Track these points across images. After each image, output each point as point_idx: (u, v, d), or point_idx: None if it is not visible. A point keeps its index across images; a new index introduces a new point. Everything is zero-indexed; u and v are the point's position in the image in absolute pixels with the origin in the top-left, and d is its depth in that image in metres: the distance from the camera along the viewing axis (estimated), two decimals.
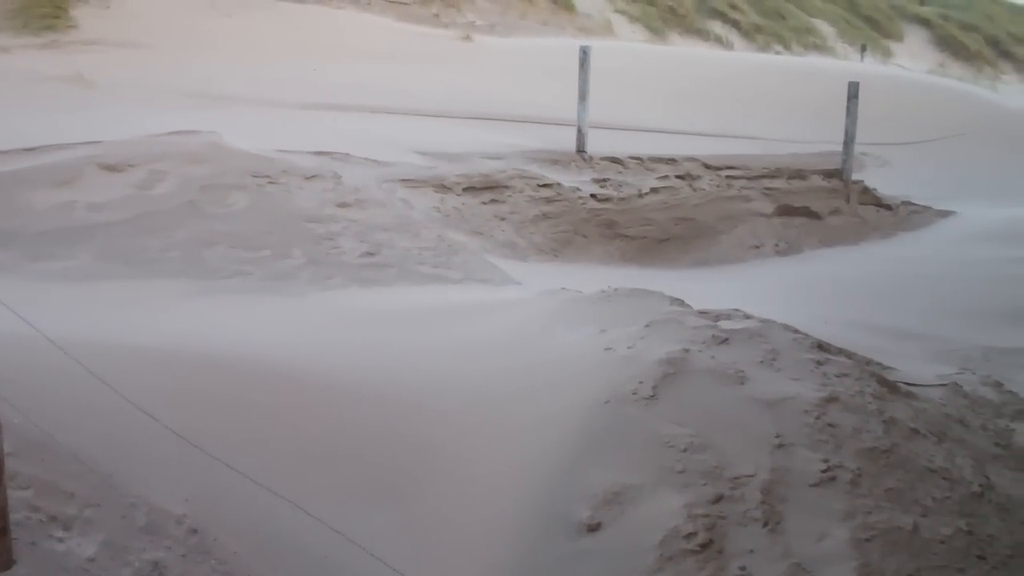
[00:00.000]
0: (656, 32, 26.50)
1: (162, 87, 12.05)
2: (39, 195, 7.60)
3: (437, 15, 20.37)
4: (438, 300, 6.93)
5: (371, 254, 7.81)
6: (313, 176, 8.81)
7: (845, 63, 27.21)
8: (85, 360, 3.94)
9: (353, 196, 8.74)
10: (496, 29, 21.16)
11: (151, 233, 7.38)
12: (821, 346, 5.40)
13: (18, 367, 3.89)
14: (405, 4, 20.24)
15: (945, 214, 13.66)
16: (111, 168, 8.05)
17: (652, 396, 4.61)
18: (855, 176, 13.82)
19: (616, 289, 6.35)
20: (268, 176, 8.52)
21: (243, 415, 4.36)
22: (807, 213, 12.46)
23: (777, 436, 4.42)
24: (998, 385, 6.57)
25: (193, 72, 12.91)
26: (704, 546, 3.89)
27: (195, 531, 3.55)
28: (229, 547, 3.60)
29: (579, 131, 12.28)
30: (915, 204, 13.84)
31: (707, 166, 12.74)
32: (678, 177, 12.18)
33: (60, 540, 3.18)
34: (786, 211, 12.36)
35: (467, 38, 18.98)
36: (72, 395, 3.92)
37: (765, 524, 4.01)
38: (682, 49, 25.53)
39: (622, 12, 26.57)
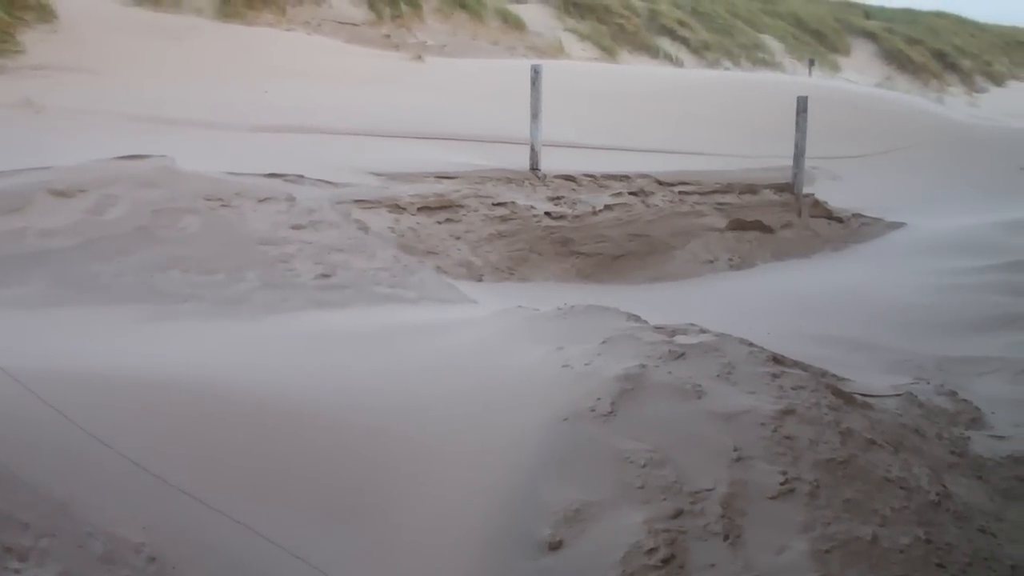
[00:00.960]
0: (606, 50, 26.69)
1: (112, 111, 11.94)
2: None
3: (388, 36, 20.38)
4: (394, 320, 6.91)
5: (326, 276, 7.77)
6: (266, 198, 8.76)
7: (794, 78, 27.51)
8: (37, 388, 3.89)
9: (307, 218, 8.71)
10: (447, 49, 21.20)
11: (103, 258, 7.29)
12: (776, 359, 5.43)
13: None
14: (355, 25, 20.24)
15: (896, 226, 13.84)
16: (62, 194, 7.95)
17: (610, 412, 4.62)
18: (806, 190, 13.98)
19: (572, 306, 6.36)
20: (221, 199, 8.46)
21: (200, 441, 4.31)
22: (759, 227, 12.58)
23: (735, 450, 4.43)
24: (952, 394, 6.66)
25: (143, 96, 12.81)
26: (665, 561, 3.89)
27: (153, 559, 3.50)
28: (188, 575, 3.56)
29: (532, 149, 12.33)
30: (866, 216, 14.01)
31: (660, 182, 12.83)
32: (631, 194, 12.26)
33: (16, 572, 3.12)
34: (739, 225, 12.46)
35: (418, 58, 19.01)
36: (25, 423, 3.86)
37: (726, 538, 4.02)
38: (632, 66, 25.71)
39: (572, 31, 26.74)
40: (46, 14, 14.31)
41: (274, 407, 4.72)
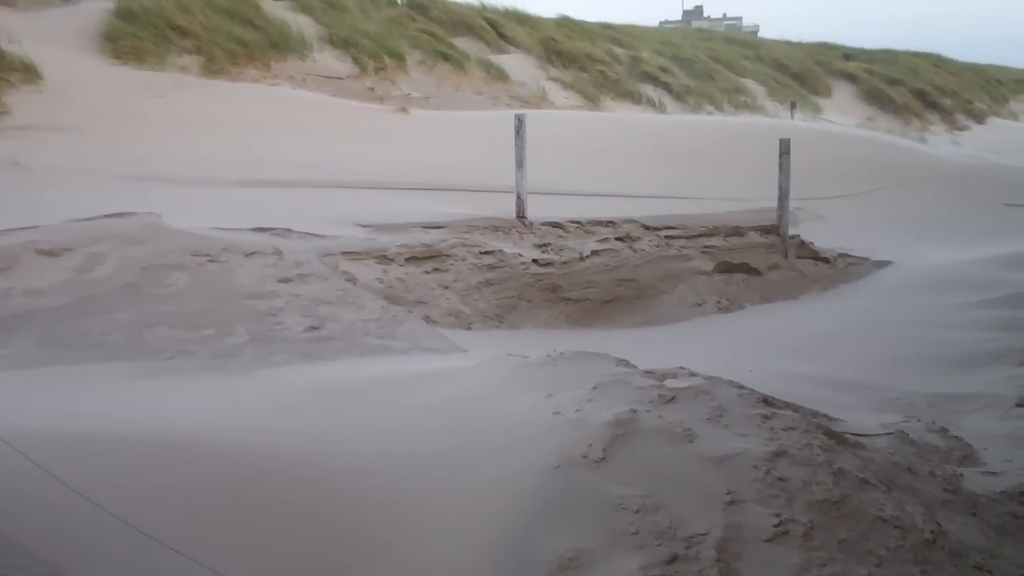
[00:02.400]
0: (589, 97, 26.87)
1: (98, 169, 11.96)
2: None
3: (372, 88, 20.51)
4: (384, 372, 6.89)
5: (315, 328, 7.77)
6: (253, 252, 8.77)
7: (776, 120, 27.71)
8: (27, 449, 3.87)
9: (295, 271, 8.72)
10: (431, 101, 21.34)
11: (92, 316, 7.29)
12: (767, 401, 5.44)
13: None
14: (340, 79, 20.37)
15: (882, 264, 13.91)
16: (49, 253, 7.95)
17: (602, 458, 4.60)
18: (792, 231, 14.04)
19: (562, 353, 6.36)
20: (208, 254, 8.47)
21: (189, 498, 4.28)
22: (746, 269, 12.62)
23: (728, 493, 4.43)
24: (943, 431, 6.66)
25: (129, 153, 12.85)
26: None
27: None
28: None
29: (518, 197, 12.38)
30: (852, 256, 14.08)
31: (646, 227, 12.88)
32: (618, 239, 12.30)
33: None
34: (726, 268, 12.51)
35: (403, 110, 19.12)
36: (14, 485, 3.84)
37: None
38: (615, 113, 25.88)
39: (555, 79, 26.94)
40: (31, 74, 14.38)
41: (264, 464, 4.70)
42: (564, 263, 11.37)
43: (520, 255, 11.14)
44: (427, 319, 9.29)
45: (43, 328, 7.07)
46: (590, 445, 4.69)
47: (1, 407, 4.74)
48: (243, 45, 19.16)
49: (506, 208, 12.40)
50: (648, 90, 29.61)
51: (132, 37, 17.35)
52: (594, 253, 11.77)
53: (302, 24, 21.76)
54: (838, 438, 5.32)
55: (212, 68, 18.02)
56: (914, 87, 38.65)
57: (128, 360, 6.76)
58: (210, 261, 8.41)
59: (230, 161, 13.43)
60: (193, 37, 18.41)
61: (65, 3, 18.54)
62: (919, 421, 6.82)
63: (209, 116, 15.47)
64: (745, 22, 75.21)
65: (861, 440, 5.62)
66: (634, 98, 28.64)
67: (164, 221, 8.86)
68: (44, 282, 7.65)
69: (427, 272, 10.28)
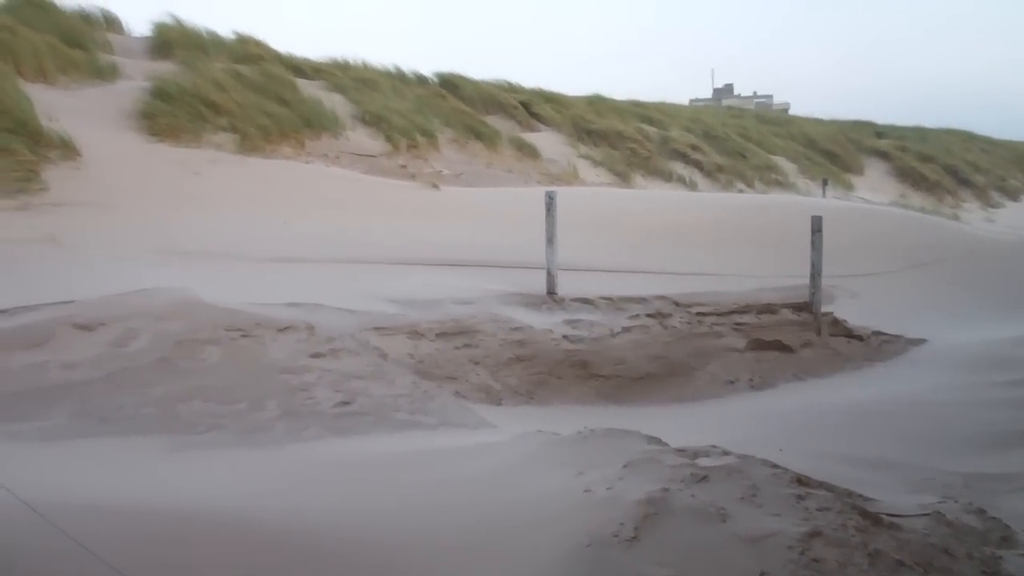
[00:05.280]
0: (620, 175, 27.02)
1: (133, 245, 12.11)
2: (12, 356, 7.58)
3: (404, 166, 20.71)
4: (414, 447, 6.88)
5: (346, 403, 7.78)
6: (286, 327, 8.83)
7: (808, 198, 27.72)
8: (60, 521, 3.88)
9: (327, 346, 8.76)
10: (462, 178, 21.50)
11: (126, 390, 7.35)
12: (801, 480, 5.38)
13: None
14: (373, 156, 20.58)
15: (916, 342, 13.78)
16: (84, 327, 8.05)
17: (634, 538, 4.56)
18: (825, 308, 13.97)
19: (592, 430, 6.33)
20: (241, 329, 8.54)
21: (219, 574, 4.27)
22: (779, 347, 12.54)
23: (762, 574, 4.37)
24: (981, 512, 6.54)
25: (164, 229, 13.01)
26: None
27: None
28: None
29: (549, 273, 12.43)
30: (886, 334, 13.97)
31: (677, 304, 12.87)
32: (649, 316, 12.28)
33: None
34: (758, 345, 12.43)
35: (434, 187, 19.27)
36: (47, 558, 3.85)
37: None
38: (646, 190, 25.99)
39: (586, 157, 27.13)
40: (70, 151, 14.60)
41: (293, 541, 4.69)
42: (595, 339, 11.35)
43: (550, 331, 11.14)
44: (457, 394, 9.29)
45: (78, 401, 7.13)
46: (621, 524, 4.66)
47: (36, 479, 4.76)
48: (277, 123, 19.42)
49: (537, 284, 12.43)
50: (679, 168, 29.77)
51: (168, 115, 17.60)
52: (625, 330, 11.74)
53: (335, 102, 22.06)
54: (874, 519, 5.25)
55: (247, 145, 18.25)
56: (947, 164, 38.70)
57: (161, 433, 6.79)
58: (243, 336, 8.48)
59: (264, 237, 13.57)
60: (228, 115, 18.67)
61: (103, 82, 18.89)
62: (956, 502, 6.70)
63: (243, 192, 15.64)
64: (775, 99, 75.60)
65: (897, 521, 5.54)
66: (665, 176, 28.79)
67: (198, 296, 8.95)
68: (79, 356, 7.73)
69: (457, 347, 10.29)
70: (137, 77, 19.48)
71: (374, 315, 10.23)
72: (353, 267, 12.80)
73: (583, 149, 27.72)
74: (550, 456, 5.97)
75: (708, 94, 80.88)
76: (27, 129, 14.38)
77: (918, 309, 16.20)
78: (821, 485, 5.52)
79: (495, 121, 26.57)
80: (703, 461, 5.48)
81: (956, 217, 30.46)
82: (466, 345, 10.39)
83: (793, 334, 12.97)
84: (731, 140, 33.76)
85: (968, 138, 43.92)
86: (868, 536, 4.83)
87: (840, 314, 14.22)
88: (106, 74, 19.28)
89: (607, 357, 11.18)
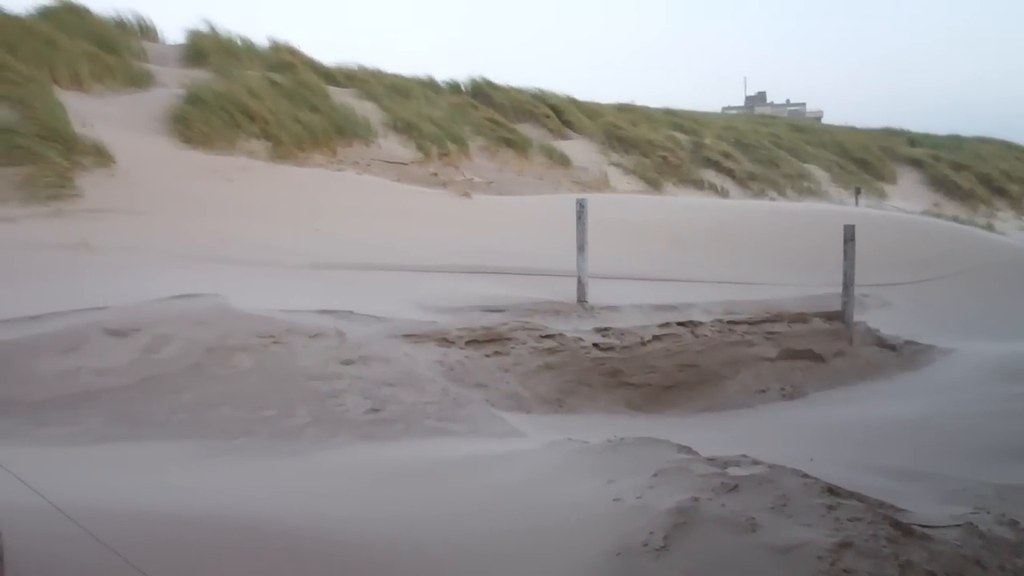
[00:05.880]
0: (651, 182, 26.97)
1: (166, 251, 12.20)
2: (45, 362, 7.64)
3: (435, 174, 20.75)
4: (443, 455, 6.89)
5: (376, 410, 7.80)
6: (317, 334, 8.86)
7: (840, 207, 27.56)
8: (91, 526, 3.90)
9: (357, 353, 8.78)
10: (493, 186, 21.53)
11: (157, 396, 7.39)
12: (832, 490, 5.34)
13: (23, 534, 3.85)
14: (404, 164, 20.65)
15: (949, 352, 13.66)
16: (117, 333, 8.10)
17: (663, 547, 4.55)
18: (857, 317, 13.88)
19: (622, 438, 6.32)
20: (272, 336, 8.57)
21: None
22: (811, 356, 12.47)
23: None
24: (1014, 524, 6.47)
25: (197, 235, 13.09)
26: None
27: None
28: None
29: (579, 281, 12.42)
30: (918, 343, 13.85)
31: (708, 312, 12.81)
32: (680, 324, 12.23)
33: None
34: (789, 355, 12.36)
35: (465, 195, 19.30)
36: (79, 562, 3.88)
37: None
38: (678, 198, 25.92)
39: (617, 164, 27.10)
40: (104, 158, 14.72)
41: (322, 548, 4.70)
42: (625, 347, 11.32)
43: (581, 339, 11.12)
44: (487, 402, 9.29)
45: (110, 406, 7.17)
46: (651, 533, 4.64)
47: (68, 484, 4.80)
48: (309, 130, 19.52)
49: (567, 292, 12.42)
50: (711, 175, 29.67)
51: (202, 122, 17.71)
52: (655, 338, 11.70)
53: (367, 110, 22.15)
54: (905, 529, 5.21)
55: (279, 153, 18.35)
56: (981, 173, 38.33)
57: (192, 439, 6.83)
58: (274, 342, 8.51)
59: (295, 244, 13.63)
60: (261, 122, 18.78)
61: (138, 89, 19.04)
62: (988, 513, 6.63)
63: (275, 199, 15.72)
64: (808, 108, 75.21)
65: (928, 532, 5.49)
66: (697, 183, 28.71)
67: (229, 303, 8.99)
68: (112, 361, 7.78)
69: (487, 355, 10.28)
70: (171, 84, 19.63)
71: (404, 322, 10.25)
72: (384, 274, 12.84)
73: (614, 157, 27.68)
74: (580, 464, 5.96)
75: (740, 102, 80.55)
76: (61, 136, 14.52)
77: (951, 318, 16.06)
78: (852, 495, 5.48)
79: (526, 129, 26.60)
80: (733, 470, 5.46)
81: (990, 227, 30.19)
82: (496, 353, 10.38)
83: (825, 343, 12.89)
84: (763, 148, 33.62)
85: (1003, 147, 43.47)
86: (899, 547, 4.79)
87: (872, 323, 14.12)
88: (140, 81, 19.46)
89: (637, 365, 11.15)
